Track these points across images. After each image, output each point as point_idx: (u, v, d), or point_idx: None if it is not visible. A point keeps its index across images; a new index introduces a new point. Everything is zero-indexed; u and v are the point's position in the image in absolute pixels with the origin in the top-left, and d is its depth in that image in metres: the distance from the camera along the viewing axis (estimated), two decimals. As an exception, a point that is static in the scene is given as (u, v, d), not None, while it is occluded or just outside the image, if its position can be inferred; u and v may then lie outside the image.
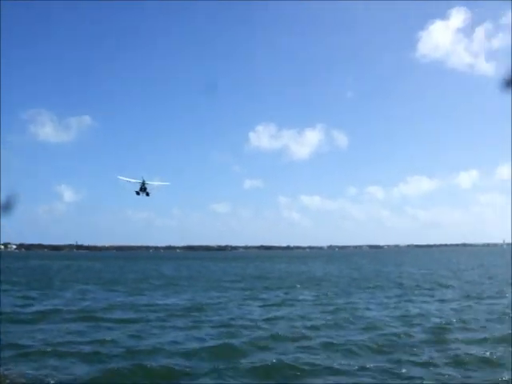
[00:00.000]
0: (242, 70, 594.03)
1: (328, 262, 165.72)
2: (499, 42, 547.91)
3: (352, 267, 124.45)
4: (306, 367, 23.43)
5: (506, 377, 21.13)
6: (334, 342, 29.14)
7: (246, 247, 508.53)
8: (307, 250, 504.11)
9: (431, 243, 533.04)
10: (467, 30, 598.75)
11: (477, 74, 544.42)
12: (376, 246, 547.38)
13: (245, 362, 24.50)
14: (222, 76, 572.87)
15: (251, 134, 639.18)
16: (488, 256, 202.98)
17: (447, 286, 62.20)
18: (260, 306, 46.17)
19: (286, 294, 56.51)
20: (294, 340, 29.90)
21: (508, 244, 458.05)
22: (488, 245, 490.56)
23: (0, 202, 6.09)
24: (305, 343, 29.01)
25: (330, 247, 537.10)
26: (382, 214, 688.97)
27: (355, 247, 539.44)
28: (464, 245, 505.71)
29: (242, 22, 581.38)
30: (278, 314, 40.91)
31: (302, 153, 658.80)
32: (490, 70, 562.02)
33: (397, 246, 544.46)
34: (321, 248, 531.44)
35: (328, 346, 28.03)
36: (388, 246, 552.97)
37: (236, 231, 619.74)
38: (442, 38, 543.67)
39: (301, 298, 52.12)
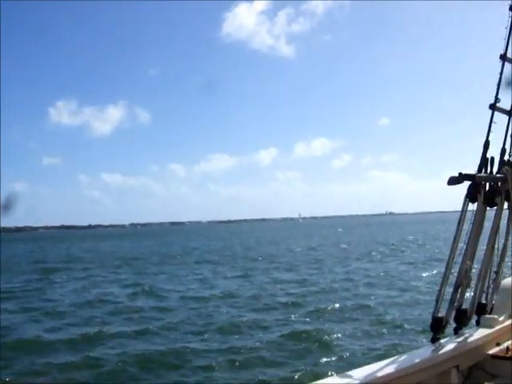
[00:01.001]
0: (41, 41, 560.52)
1: (135, 239, 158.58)
2: (299, 26, 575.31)
3: (166, 244, 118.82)
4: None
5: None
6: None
7: (46, 227, 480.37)
8: (109, 228, 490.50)
9: (232, 219, 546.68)
10: (270, 13, 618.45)
11: (278, 56, 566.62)
12: (178, 222, 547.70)
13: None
14: (21, 48, 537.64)
15: (51, 110, 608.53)
16: (291, 230, 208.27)
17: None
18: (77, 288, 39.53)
19: (104, 273, 49.98)
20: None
21: (303, 218, 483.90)
22: (285, 219, 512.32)
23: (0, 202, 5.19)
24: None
25: (133, 225, 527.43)
26: (183, 191, 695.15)
27: (157, 224, 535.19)
28: (263, 220, 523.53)
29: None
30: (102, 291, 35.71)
31: (104, 130, 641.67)
32: (289, 52, 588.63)
33: (199, 223, 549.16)
34: (123, 226, 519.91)
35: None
36: (190, 222, 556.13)
37: (35, 211, 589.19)
38: (246, 19, 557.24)
39: (121, 277, 46.19)
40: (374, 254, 57.70)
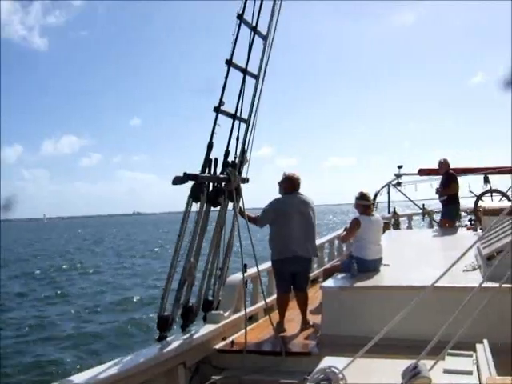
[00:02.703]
0: None
1: None
2: (54, 18, 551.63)
3: None
4: None
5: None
6: None
7: None
8: None
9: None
10: (25, 2, 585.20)
11: (32, 47, 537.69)
12: None
13: None
14: None
15: None
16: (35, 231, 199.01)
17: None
18: None
19: None
20: None
21: (49, 218, 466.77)
22: (30, 220, 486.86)
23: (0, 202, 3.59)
24: None
25: None
26: None
27: None
28: (8, 220, 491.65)
29: None
30: None
31: None
32: (43, 44, 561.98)
33: None
34: None
35: None
36: None
37: None
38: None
39: None
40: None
